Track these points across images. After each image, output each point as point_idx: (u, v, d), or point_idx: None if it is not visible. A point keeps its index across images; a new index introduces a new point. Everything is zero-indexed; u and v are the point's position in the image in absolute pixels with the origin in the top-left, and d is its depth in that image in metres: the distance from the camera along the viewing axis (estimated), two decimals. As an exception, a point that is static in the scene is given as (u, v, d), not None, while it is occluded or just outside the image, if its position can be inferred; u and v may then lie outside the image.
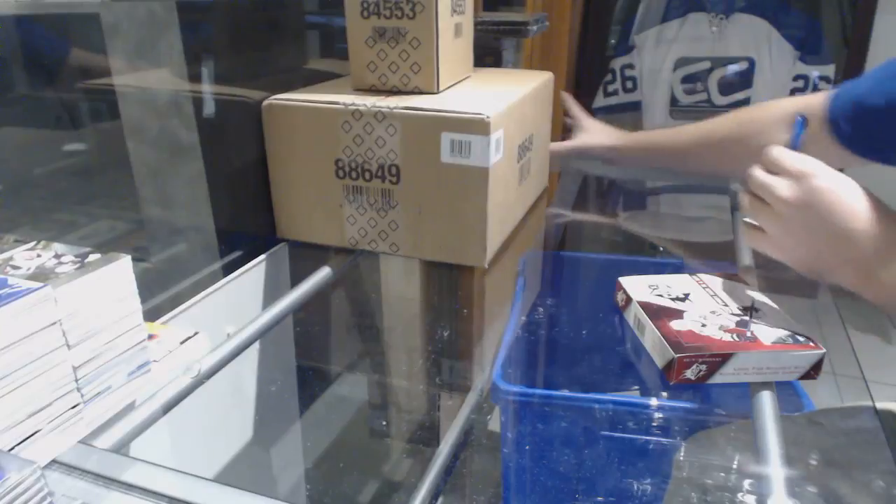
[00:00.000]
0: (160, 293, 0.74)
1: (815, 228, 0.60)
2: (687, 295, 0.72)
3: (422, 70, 0.81)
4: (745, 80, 2.11)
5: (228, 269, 0.82)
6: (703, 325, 0.65)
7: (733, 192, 1.18)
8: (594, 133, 1.13)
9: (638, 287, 0.74)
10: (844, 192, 0.59)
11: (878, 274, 0.57)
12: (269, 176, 0.86)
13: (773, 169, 0.64)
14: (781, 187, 0.61)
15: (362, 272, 1.00)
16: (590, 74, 2.32)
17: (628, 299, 0.73)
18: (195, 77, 0.79)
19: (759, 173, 0.65)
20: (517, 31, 1.21)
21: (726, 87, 2.12)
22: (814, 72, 2.07)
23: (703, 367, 0.60)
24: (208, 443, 0.81)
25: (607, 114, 2.23)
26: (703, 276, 0.77)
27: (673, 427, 0.74)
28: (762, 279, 0.81)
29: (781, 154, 0.63)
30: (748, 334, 0.63)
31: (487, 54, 1.35)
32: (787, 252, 0.64)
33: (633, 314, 0.71)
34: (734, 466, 0.67)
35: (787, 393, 0.64)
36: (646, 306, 0.69)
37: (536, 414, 0.78)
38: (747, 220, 0.68)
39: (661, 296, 0.72)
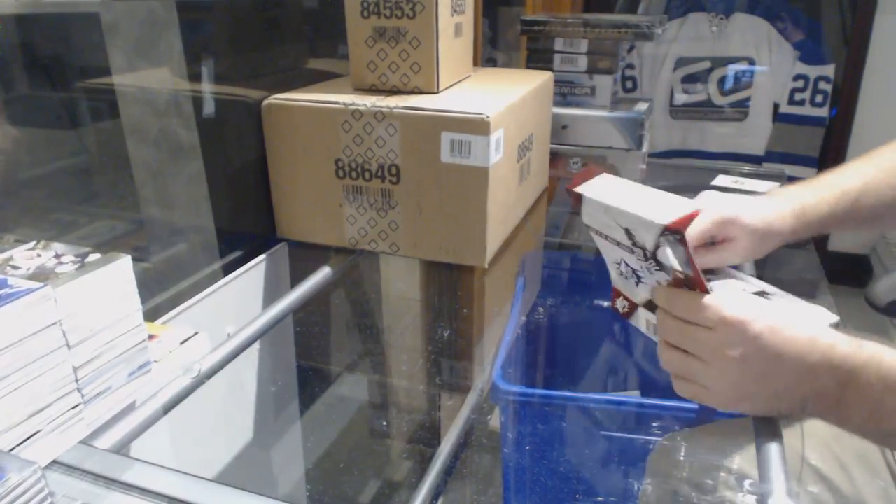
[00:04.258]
0: (160, 293, 0.74)
1: (766, 375, 0.51)
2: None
3: (422, 70, 0.81)
4: (745, 80, 2.11)
5: (228, 269, 0.82)
6: None
7: (732, 191, 1.18)
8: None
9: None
10: (786, 327, 0.51)
11: (844, 397, 0.50)
12: (269, 176, 0.86)
13: (691, 319, 0.53)
14: (716, 345, 0.52)
15: (362, 272, 1.00)
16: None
17: (634, 305, 0.68)
18: (195, 77, 0.79)
19: (676, 325, 0.54)
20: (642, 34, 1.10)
21: (726, 87, 2.12)
22: (814, 72, 2.07)
23: None
24: (208, 443, 0.80)
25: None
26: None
27: (672, 427, 0.74)
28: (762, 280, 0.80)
29: (699, 306, 0.53)
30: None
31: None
32: (737, 403, 0.54)
33: (645, 318, 0.66)
34: (734, 466, 0.67)
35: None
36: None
37: (536, 414, 0.78)
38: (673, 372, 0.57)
39: None
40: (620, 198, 0.57)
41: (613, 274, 0.66)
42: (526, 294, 0.95)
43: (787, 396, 0.52)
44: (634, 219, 0.55)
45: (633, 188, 0.60)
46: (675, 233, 0.51)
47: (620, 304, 0.69)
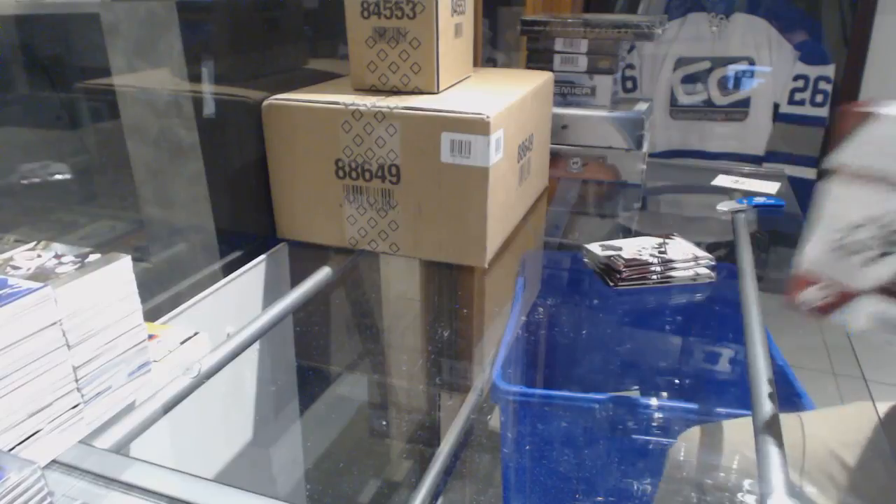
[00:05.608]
0: (160, 293, 0.74)
1: None
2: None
3: (422, 70, 0.81)
4: (745, 80, 2.11)
5: (228, 269, 0.82)
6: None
7: (732, 191, 1.18)
8: None
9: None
10: None
11: None
12: (269, 176, 0.86)
13: None
14: None
15: (362, 272, 1.00)
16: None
17: (845, 295, 0.49)
18: (195, 77, 0.79)
19: None
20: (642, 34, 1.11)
21: (726, 87, 2.12)
22: (814, 72, 2.07)
23: None
24: (208, 443, 0.80)
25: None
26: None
27: (673, 427, 0.74)
28: (762, 280, 0.81)
29: None
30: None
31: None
32: None
33: (869, 310, 0.48)
34: (734, 466, 0.67)
35: (787, 393, 0.65)
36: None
37: (536, 414, 0.78)
38: None
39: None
40: None
41: (817, 252, 0.48)
42: (526, 294, 0.95)
43: None
44: None
45: None
46: None
47: (815, 296, 0.50)
